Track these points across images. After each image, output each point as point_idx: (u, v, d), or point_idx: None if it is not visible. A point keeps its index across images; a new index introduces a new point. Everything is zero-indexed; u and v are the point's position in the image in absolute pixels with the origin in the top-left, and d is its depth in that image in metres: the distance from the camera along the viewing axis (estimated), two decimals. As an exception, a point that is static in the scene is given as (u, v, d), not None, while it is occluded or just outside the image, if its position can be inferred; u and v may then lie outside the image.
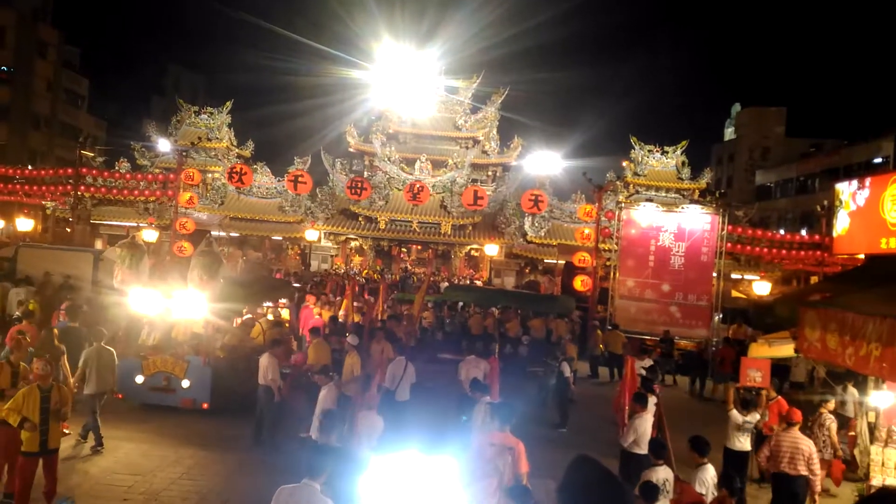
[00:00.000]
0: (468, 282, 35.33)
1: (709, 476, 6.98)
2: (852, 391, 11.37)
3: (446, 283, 31.50)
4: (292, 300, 17.62)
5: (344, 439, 6.73)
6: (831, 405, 10.40)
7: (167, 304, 11.83)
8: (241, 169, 29.07)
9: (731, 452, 9.73)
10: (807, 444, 8.58)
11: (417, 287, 24.42)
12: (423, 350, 14.08)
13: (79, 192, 30.34)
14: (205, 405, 11.42)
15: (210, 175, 40.27)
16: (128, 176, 32.82)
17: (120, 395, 11.29)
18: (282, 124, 75.79)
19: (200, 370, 11.45)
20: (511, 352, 16.07)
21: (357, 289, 19.89)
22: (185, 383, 11.37)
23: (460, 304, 22.43)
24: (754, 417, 9.71)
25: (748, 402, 10.01)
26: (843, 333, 8.01)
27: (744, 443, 9.74)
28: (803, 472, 8.48)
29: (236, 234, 38.21)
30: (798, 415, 8.95)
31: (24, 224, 31.33)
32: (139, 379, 11.41)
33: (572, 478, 2.79)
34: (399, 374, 10.66)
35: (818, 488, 8.94)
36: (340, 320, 15.66)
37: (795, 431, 8.70)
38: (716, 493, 6.76)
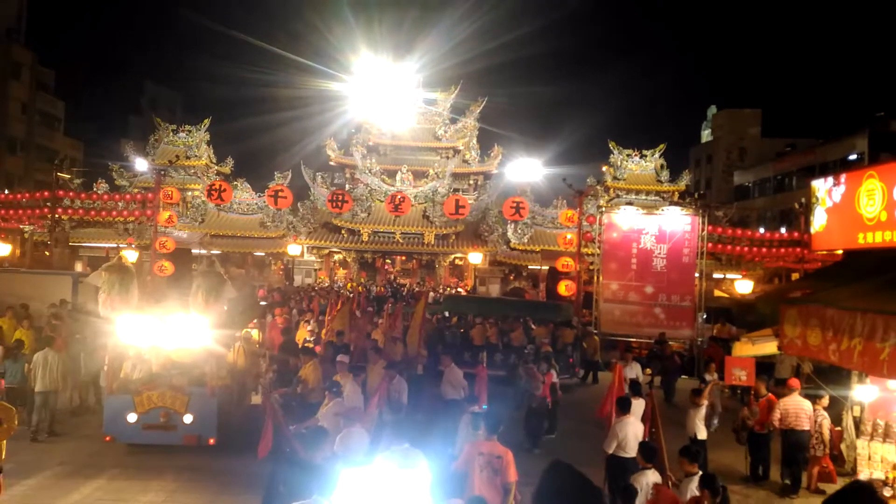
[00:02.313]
0: (454, 291, 35.31)
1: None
2: None
3: (431, 293, 31.43)
4: (263, 318, 17.14)
5: (330, 457, 6.63)
6: (825, 401, 10.47)
7: (163, 331, 10.50)
8: (221, 186, 28.91)
9: (697, 441, 10.01)
10: (807, 404, 10.26)
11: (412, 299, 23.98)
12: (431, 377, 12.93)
13: (56, 215, 29.95)
14: (211, 441, 10.32)
15: (190, 193, 40.02)
16: (105, 197, 32.46)
17: (108, 438, 10.29)
18: (261, 137, 75.85)
19: (205, 402, 10.32)
20: (516, 361, 15.69)
21: (355, 304, 18.89)
22: (188, 418, 10.23)
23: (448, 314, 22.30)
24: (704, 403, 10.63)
25: (699, 391, 10.82)
26: (825, 329, 8.08)
27: (704, 432, 10.50)
28: (807, 426, 10.15)
29: (217, 252, 37.89)
30: (797, 382, 10.64)
31: (2, 249, 30.84)
32: (131, 417, 10.19)
33: (547, 484, 2.78)
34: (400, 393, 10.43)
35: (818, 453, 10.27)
36: (328, 339, 14.43)
37: (796, 395, 10.32)
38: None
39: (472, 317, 21.18)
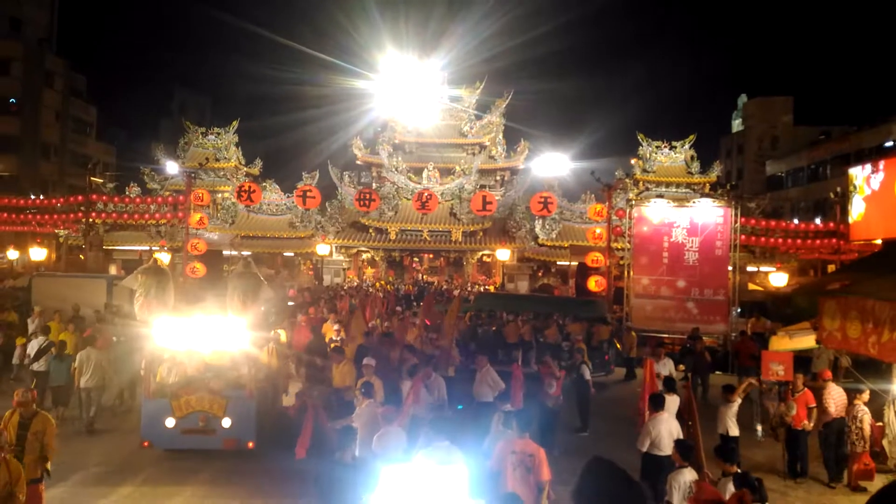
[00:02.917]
0: (482, 288, 35.21)
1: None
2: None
3: (457, 291, 31.37)
4: (293, 318, 17.25)
5: (362, 456, 6.62)
6: (865, 396, 10.19)
7: (201, 334, 10.30)
8: (250, 187, 29.15)
9: (730, 438, 9.80)
10: (839, 393, 10.39)
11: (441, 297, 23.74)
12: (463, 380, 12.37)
13: (90, 219, 30.50)
14: (250, 444, 10.15)
15: (220, 195, 40.52)
16: (138, 200, 32.98)
17: (146, 443, 10.14)
18: (287, 136, 76.37)
19: (243, 405, 10.16)
20: (577, 360, 15.26)
21: (385, 303, 18.59)
22: (227, 422, 10.06)
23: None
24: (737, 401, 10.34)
25: (732, 387, 10.54)
26: (865, 321, 7.86)
27: (736, 429, 10.19)
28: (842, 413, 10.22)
29: (248, 253, 38.29)
30: (829, 373, 10.83)
31: (38, 253, 31.55)
32: (170, 422, 10.02)
33: (587, 481, 2.70)
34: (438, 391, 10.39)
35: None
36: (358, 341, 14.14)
37: (831, 385, 10.43)
38: None
39: (503, 314, 20.95)
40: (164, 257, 27.76)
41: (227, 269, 33.58)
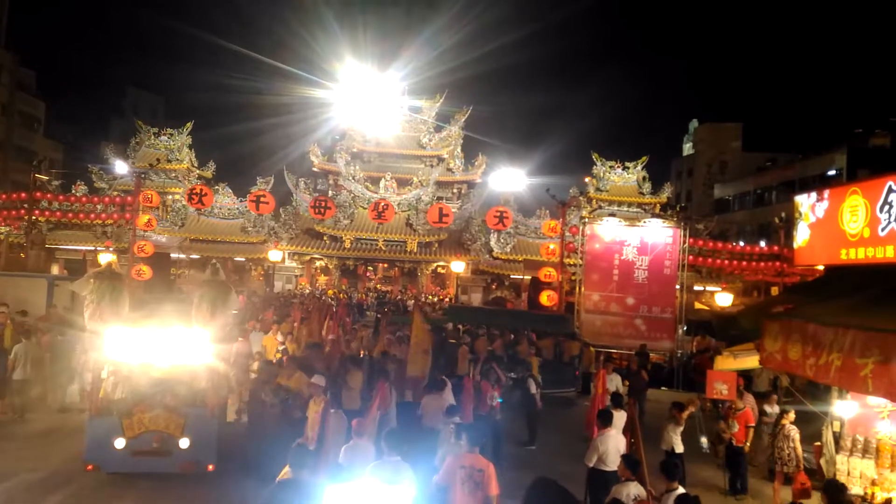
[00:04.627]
0: (435, 299, 35.19)
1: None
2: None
3: (412, 301, 31.26)
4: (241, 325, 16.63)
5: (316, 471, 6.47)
6: (791, 416, 10.43)
7: (158, 346, 9.44)
8: (202, 190, 28.66)
9: (674, 455, 9.96)
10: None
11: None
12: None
13: (33, 217, 29.53)
14: (210, 467, 9.29)
15: (170, 197, 39.68)
16: (84, 199, 32.08)
17: (90, 467, 9.12)
18: (244, 143, 75.33)
19: (203, 424, 9.32)
20: (523, 374, 15.07)
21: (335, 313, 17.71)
22: (185, 442, 9.21)
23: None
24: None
25: (681, 405, 10.64)
26: (805, 344, 8.06)
27: (681, 446, 10.32)
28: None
29: (197, 256, 37.55)
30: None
31: (-24, 250, 30.35)
32: (119, 443, 9.07)
33: (532, 499, 2.73)
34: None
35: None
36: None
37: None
38: None
39: (470, 328, 20.45)
40: (108, 258, 26.96)
41: (174, 272, 32.86)
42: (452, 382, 11.13)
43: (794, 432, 10.24)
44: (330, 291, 35.97)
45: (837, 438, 10.44)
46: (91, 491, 9.15)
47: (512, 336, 19.19)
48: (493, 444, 10.57)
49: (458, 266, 36.70)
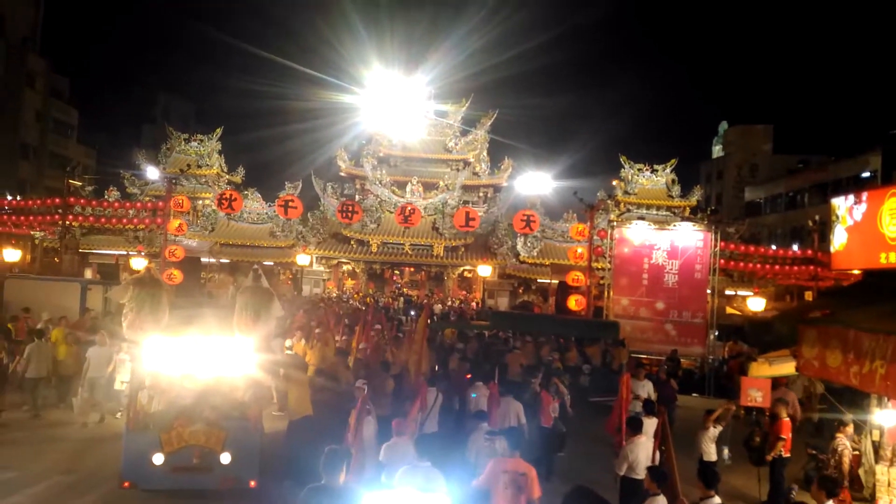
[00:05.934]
0: (460, 303, 35.12)
1: None
2: None
3: (439, 306, 31.25)
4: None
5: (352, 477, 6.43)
6: (849, 429, 10.07)
7: (199, 356, 9.13)
8: (231, 195, 28.96)
9: (708, 464, 9.72)
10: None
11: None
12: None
13: (67, 222, 30.09)
14: (252, 483, 8.91)
15: (200, 202, 40.15)
16: (116, 204, 32.64)
17: (127, 484, 8.72)
18: (273, 148, 76.25)
19: (245, 438, 8.98)
20: (572, 382, 14.77)
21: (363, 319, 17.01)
22: (226, 457, 8.84)
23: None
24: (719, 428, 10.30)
25: (712, 411, 10.46)
26: (846, 351, 7.88)
27: (714, 454, 10.16)
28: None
29: (227, 261, 37.95)
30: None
31: (12, 255, 30.95)
32: (157, 459, 8.70)
33: None
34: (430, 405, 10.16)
35: None
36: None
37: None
38: None
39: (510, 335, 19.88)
40: (140, 262, 27.36)
41: (204, 276, 33.22)
42: (516, 392, 11.00)
43: (843, 448, 9.91)
44: (356, 296, 36.06)
45: (877, 448, 10.17)
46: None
47: (562, 341, 19.04)
48: (547, 458, 10.61)
49: (485, 270, 36.60)
